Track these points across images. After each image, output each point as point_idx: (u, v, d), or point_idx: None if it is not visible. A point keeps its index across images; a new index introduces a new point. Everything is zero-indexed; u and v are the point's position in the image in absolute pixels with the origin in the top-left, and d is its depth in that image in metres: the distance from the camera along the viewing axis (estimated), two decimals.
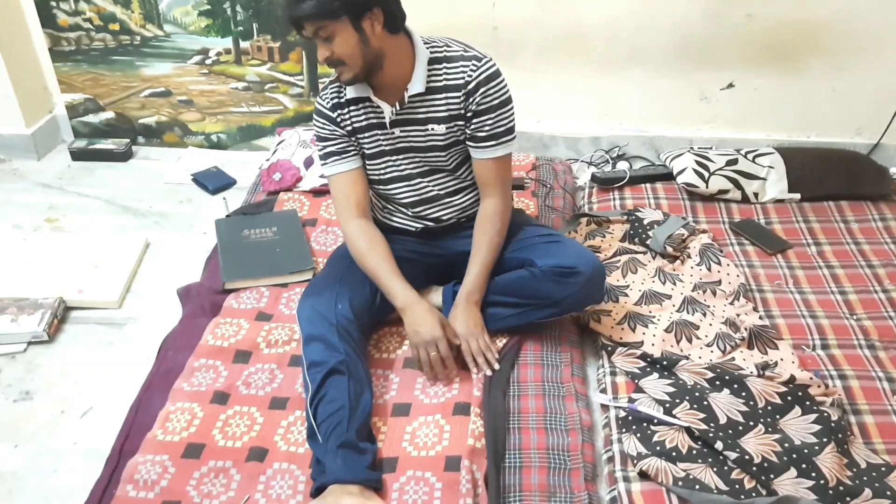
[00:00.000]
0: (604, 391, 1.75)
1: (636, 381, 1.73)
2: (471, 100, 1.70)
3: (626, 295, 1.99)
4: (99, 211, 2.50)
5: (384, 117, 1.73)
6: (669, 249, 2.12)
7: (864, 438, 1.60)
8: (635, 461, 1.53)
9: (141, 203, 2.54)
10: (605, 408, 1.71)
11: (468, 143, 1.77)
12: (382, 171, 1.83)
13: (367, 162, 1.82)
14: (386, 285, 1.75)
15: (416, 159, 1.80)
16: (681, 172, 2.40)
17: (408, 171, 1.82)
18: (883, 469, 1.51)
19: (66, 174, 2.72)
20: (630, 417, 1.64)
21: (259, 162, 2.65)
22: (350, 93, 1.72)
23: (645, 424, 1.62)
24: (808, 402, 1.64)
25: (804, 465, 1.50)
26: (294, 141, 2.55)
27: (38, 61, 2.77)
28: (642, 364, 1.78)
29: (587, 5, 2.49)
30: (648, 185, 2.47)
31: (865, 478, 1.49)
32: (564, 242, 1.83)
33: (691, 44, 2.54)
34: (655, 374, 1.74)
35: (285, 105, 2.78)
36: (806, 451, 1.52)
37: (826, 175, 2.41)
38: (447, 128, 1.74)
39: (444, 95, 1.71)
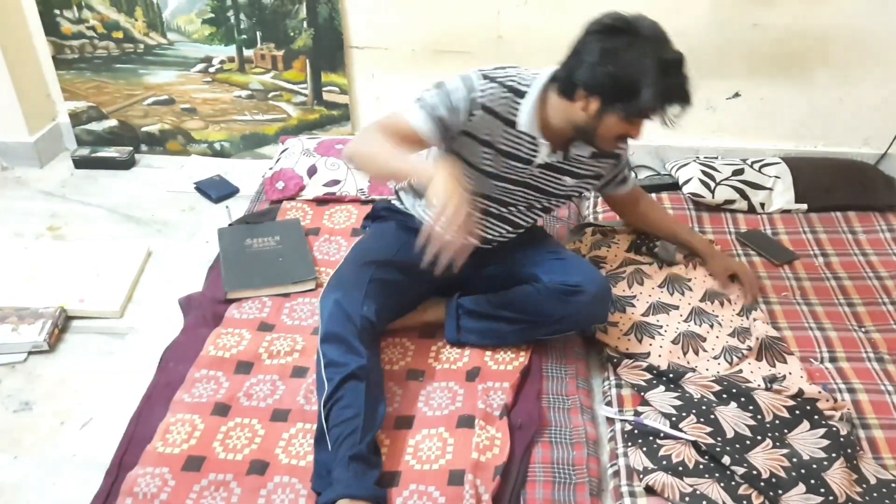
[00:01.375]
0: (609, 404, 1.73)
1: (642, 393, 1.71)
2: (619, 166, 1.86)
3: (633, 306, 1.97)
4: (101, 219, 2.49)
5: (534, 155, 1.66)
6: (679, 256, 2.09)
7: (874, 453, 1.58)
8: (641, 476, 1.51)
9: (143, 211, 2.52)
10: (610, 421, 1.69)
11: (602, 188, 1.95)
12: (482, 187, 1.69)
13: (470, 170, 1.67)
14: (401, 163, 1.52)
15: (527, 195, 1.76)
16: (686, 182, 2.39)
17: (506, 199, 1.76)
18: (893, 485, 1.49)
19: (69, 182, 2.71)
20: (636, 431, 1.62)
21: (262, 170, 2.64)
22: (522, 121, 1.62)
23: (651, 438, 1.60)
24: (816, 417, 1.62)
25: (813, 481, 1.47)
26: (297, 149, 2.54)
27: (42, 69, 2.77)
28: (648, 377, 1.76)
29: (592, 13, 2.46)
30: (654, 194, 2.45)
31: (875, 494, 1.47)
32: (570, 259, 1.82)
33: (697, 53, 2.49)
34: (662, 387, 1.72)
35: (289, 113, 2.78)
36: (815, 466, 1.50)
37: (833, 185, 2.39)
38: (578, 182, 1.78)
39: (602, 161, 1.77)
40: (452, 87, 1.60)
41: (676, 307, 1.96)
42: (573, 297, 1.69)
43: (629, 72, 1.48)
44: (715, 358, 1.81)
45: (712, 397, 1.68)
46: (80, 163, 2.78)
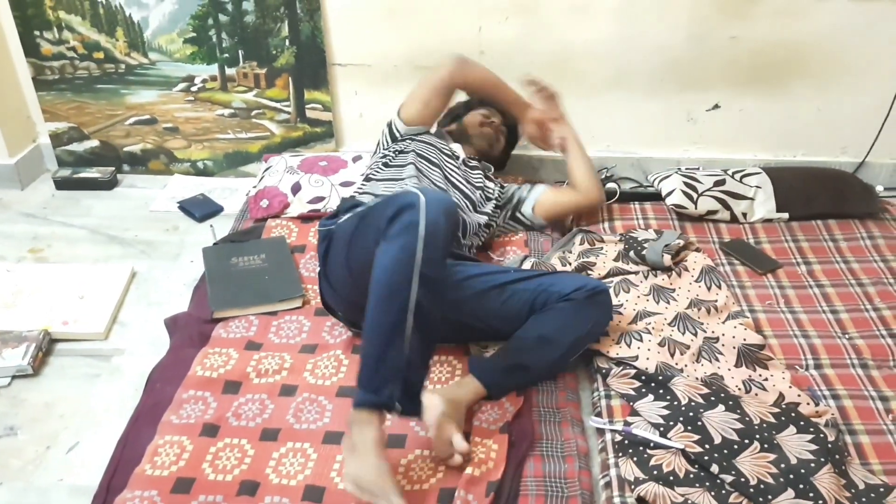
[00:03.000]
0: (599, 415, 1.73)
1: (631, 403, 1.72)
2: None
3: (621, 314, 1.98)
4: (84, 240, 2.47)
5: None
6: (667, 258, 2.11)
7: (861, 459, 1.59)
8: (633, 486, 1.51)
9: (127, 232, 2.51)
10: (600, 432, 1.69)
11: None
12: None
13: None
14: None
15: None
16: (669, 194, 2.41)
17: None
18: (882, 490, 1.50)
19: (51, 204, 2.69)
20: (626, 441, 1.63)
21: (246, 188, 2.64)
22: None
23: (641, 448, 1.60)
24: (802, 423, 1.63)
25: (802, 486, 1.48)
26: (281, 167, 2.54)
27: (22, 90, 2.75)
28: (637, 384, 1.76)
29: (573, 29, 2.51)
30: (637, 205, 2.48)
31: (864, 499, 1.48)
32: (551, 274, 1.91)
33: (677, 66, 2.56)
34: (651, 396, 1.73)
35: (272, 131, 2.77)
36: (803, 470, 1.51)
37: (813, 194, 2.42)
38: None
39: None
40: None
41: (662, 314, 1.97)
42: (599, 296, 1.76)
43: None
44: (697, 360, 1.82)
45: (700, 400, 1.68)
46: (61, 184, 2.76)
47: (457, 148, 2.32)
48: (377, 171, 2.17)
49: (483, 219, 2.21)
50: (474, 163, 2.34)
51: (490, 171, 2.41)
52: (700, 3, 2.43)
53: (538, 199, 2.36)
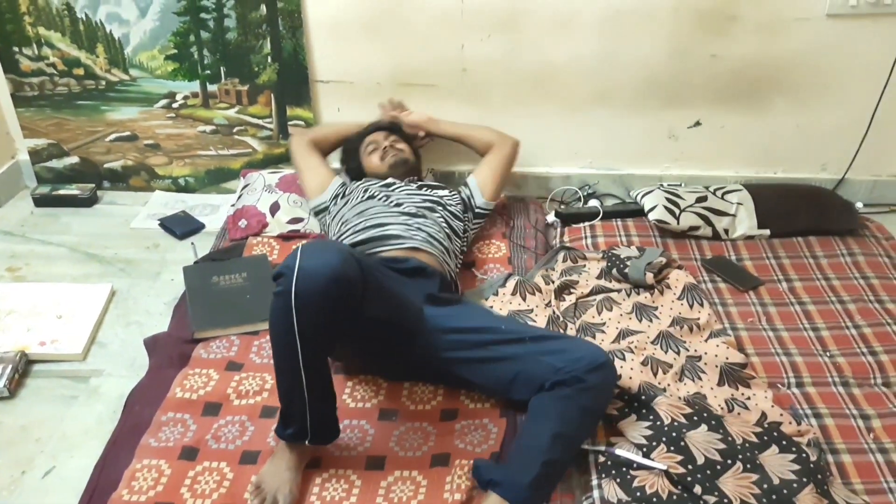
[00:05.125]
0: None
1: (614, 423, 1.71)
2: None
3: (604, 332, 1.98)
4: (63, 259, 2.44)
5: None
6: (650, 276, 2.11)
7: (843, 478, 1.59)
8: None
9: (106, 250, 2.48)
10: (583, 453, 1.68)
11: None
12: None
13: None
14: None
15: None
16: (652, 209, 2.41)
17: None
18: None
19: (29, 221, 2.66)
20: (609, 462, 1.62)
21: (227, 204, 2.62)
22: None
23: (624, 469, 1.59)
24: (784, 442, 1.63)
25: None
26: (259, 185, 2.53)
27: (0, 107, 2.72)
28: (619, 404, 1.76)
29: (555, 46, 2.52)
30: (619, 222, 2.48)
31: None
32: (555, 337, 1.79)
33: (658, 83, 2.58)
34: (634, 416, 1.72)
35: (254, 148, 2.76)
36: (785, 490, 1.51)
37: (794, 211, 2.44)
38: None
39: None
40: None
41: (644, 332, 1.97)
42: (603, 371, 1.61)
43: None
44: (680, 380, 1.82)
45: (683, 420, 1.67)
46: (40, 201, 2.73)
47: (393, 179, 2.33)
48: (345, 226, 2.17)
49: (460, 224, 2.24)
50: (406, 181, 2.33)
51: (425, 179, 2.48)
52: (681, 21, 2.45)
53: (480, 186, 2.39)
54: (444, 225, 2.17)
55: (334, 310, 1.49)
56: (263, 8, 2.50)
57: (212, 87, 2.66)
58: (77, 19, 2.55)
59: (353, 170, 2.46)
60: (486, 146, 2.49)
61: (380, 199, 2.20)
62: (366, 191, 2.25)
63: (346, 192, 2.31)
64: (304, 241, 2.35)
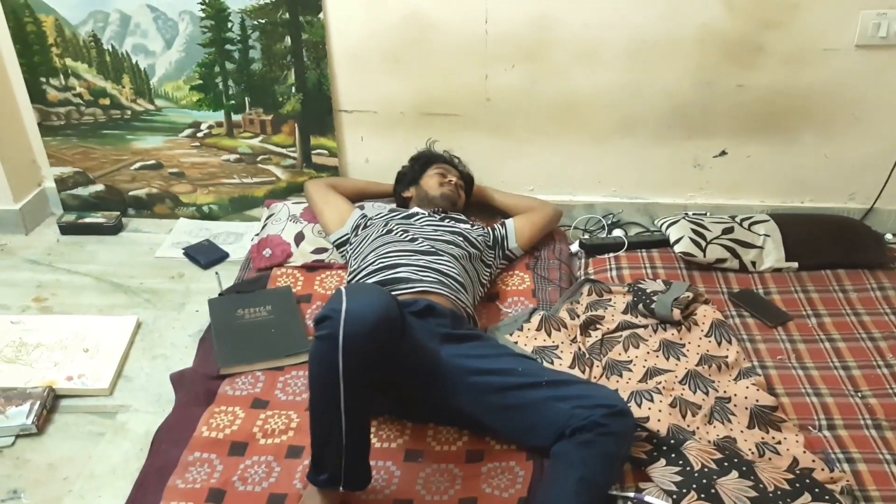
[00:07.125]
0: None
1: (643, 468, 1.69)
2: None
3: (631, 370, 1.96)
4: (89, 288, 2.46)
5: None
6: (676, 312, 2.09)
7: None
8: None
9: (132, 280, 2.49)
10: (611, 498, 1.67)
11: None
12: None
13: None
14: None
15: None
16: (678, 241, 2.39)
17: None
18: None
19: (55, 249, 2.68)
20: None
21: (251, 232, 2.63)
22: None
23: None
24: (817, 490, 1.60)
25: None
26: (283, 215, 2.53)
27: (27, 136, 2.75)
28: (648, 448, 1.74)
29: (579, 76, 2.51)
30: (644, 253, 2.46)
31: None
32: (573, 382, 1.76)
33: (683, 113, 2.56)
34: (663, 460, 1.70)
35: (278, 176, 2.77)
36: None
37: (822, 243, 2.41)
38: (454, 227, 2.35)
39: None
40: None
41: (672, 371, 1.95)
42: (623, 419, 1.61)
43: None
44: (710, 423, 1.80)
45: (714, 466, 1.65)
46: (66, 229, 2.75)
47: (417, 210, 2.38)
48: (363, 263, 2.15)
49: (477, 252, 2.25)
50: (441, 215, 2.35)
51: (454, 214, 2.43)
52: (707, 52, 2.44)
53: (517, 230, 2.44)
54: (463, 255, 2.16)
55: (380, 352, 1.48)
56: (288, 39, 2.51)
57: (236, 117, 2.67)
58: (104, 51, 2.58)
59: (405, 178, 2.52)
60: (527, 207, 2.58)
61: (397, 233, 2.19)
62: (385, 224, 2.25)
63: (367, 224, 2.32)
64: (327, 272, 2.39)
